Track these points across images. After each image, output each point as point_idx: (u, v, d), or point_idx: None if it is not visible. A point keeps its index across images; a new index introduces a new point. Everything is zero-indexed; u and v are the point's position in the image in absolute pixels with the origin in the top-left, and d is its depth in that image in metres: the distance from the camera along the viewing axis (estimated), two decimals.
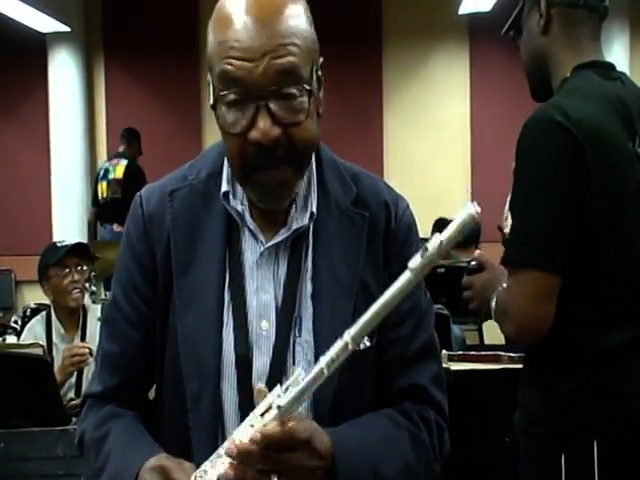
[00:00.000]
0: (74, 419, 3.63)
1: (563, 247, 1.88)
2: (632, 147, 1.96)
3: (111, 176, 8.01)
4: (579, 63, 2.03)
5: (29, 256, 7.83)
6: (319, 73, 1.36)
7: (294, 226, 1.41)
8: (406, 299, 1.33)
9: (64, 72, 8.82)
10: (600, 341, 1.91)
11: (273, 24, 1.27)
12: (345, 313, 1.37)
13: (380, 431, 1.37)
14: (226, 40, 1.28)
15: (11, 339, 4.92)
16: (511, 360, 2.53)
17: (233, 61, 1.26)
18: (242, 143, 1.30)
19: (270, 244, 1.41)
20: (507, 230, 6.04)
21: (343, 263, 1.38)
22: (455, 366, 2.58)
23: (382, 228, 1.44)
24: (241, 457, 1.17)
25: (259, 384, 1.26)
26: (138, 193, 1.52)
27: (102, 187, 8.04)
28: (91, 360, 3.62)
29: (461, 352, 2.87)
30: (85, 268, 3.95)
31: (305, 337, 1.38)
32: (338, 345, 1.15)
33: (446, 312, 3.90)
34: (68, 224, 8.50)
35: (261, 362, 1.38)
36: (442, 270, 4.64)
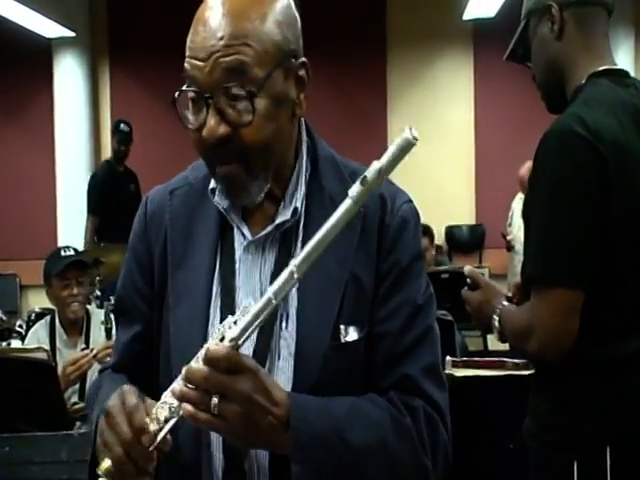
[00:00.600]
0: (78, 423, 3.65)
1: (587, 262, 1.87)
2: None
3: None
4: (593, 71, 2.02)
5: (34, 260, 7.83)
6: (300, 73, 1.37)
7: (277, 221, 1.42)
8: (396, 293, 1.39)
9: (69, 76, 8.84)
10: (614, 349, 1.91)
11: (228, 25, 1.30)
12: (331, 306, 1.36)
13: (350, 401, 1.34)
14: (190, 40, 1.33)
15: (16, 343, 4.92)
16: (516, 367, 2.52)
17: (189, 60, 1.32)
18: (198, 138, 1.34)
19: (254, 238, 1.42)
20: (510, 237, 6.04)
21: (332, 256, 1.34)
22: (459, 372, 2.57)
23: (376, 222, 1.42)
24: (187, 377, 1.18)
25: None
26: (146, 195, 1.57)
27: None
28: (95, 363, 3.64)
29: (465, 358, 2.86)
30: (85, 280, 3.98)
31: (290, 330, 1.38)
32: (284, 274, 1.17)
33: (450, 318, 3.88)
34: (73, 228, 8.50)
35: (244, 350, 1.36)
36: (446, 275, 4.65)
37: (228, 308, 1.39)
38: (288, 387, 1.34)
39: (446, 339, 3.66)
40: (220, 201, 1.44)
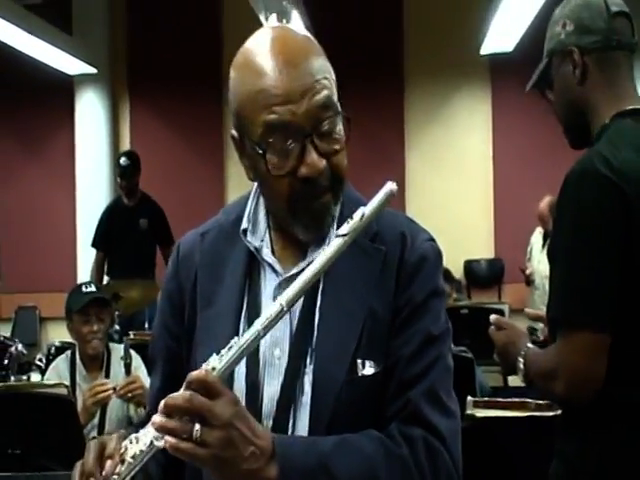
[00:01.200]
0: None
1: (613, 303, 1.85)
2: None
3: None
4: (618, 111, 2.01)
5: (54, 293, 7.90)
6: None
7: (309, 259, 1.43)
8: (410, 325, 1.39)
9: (90, 112, 8.94)
10: None
11: (304, 63, 1.33)
12: (349, 341, 1.38)
13: (341, 436, 1.33)
14: (263, 89, 1.33)
15: (35, 377, 4.96)
16: (538, 407, 2.49)
17: (276, 108, 1.31)
18: (290, 181, 1.35)
19: (287, 275, 1.44)
20: (529, 271, 5.99)
21: (352, 293, 1.39)
22: (480, 413, 2.56)
23: (396, 258, 1.44)
24: (167, 405, 1.19)
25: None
26: (179, 240, 1.62)
27: None
28: (114, 396, 3.65)
29: (487, 399, 2.84)
30: (105, 317, 4.00)
31: (310, 365, 1.40)
32: (274, 308, 1.23)
33: (470, 355, 3.85)
34: (92, 261, 8.53)
35: (270, 390, 1.40)
36: (465, 311, 4.63)
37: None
38: (306, 418, 1.37)
39: (466, 377, 3.63)
40: (253, 242, 1.47)
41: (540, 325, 2.35)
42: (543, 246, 6.98)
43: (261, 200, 1.51)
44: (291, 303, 1.24)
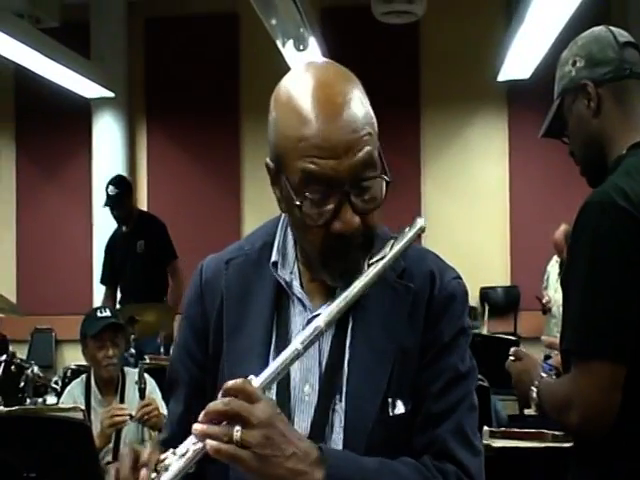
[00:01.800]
0: None
1: (629, 334, 1.84)
2: None
3: None
4: (634, 142, 2.00)
5: (70, 315, 7.91)
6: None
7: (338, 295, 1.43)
8: (437, 362, 1.41)
9: (107, 135, 8.98)
10: None
11: (348, 112, 1.31)
12: (380, 379, 1.38)
13: (379, 459, 1.34)
14: (306, 138, 1.31)
15: (51, 399, 4.96)
16: (555, 438, 2.48)
17: (317, 160, 1.30)
18: (324, 234, 1.34)
19: (316, 313, 1.43)
20: (546, 300, 5.98)
21: (382, 331, 1.39)
22: (497, 443, 2.54)
23: (426, 295, 1.45)
24: (207, 412, 1.21)
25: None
26: (201, 262, 1.59)
27: None
28: (130, 422, 3.66)
29: (503, 429, 2.83)
30: (120, 342, 4.01)
31: (341, 403, 1.40)
32: (313, 328, 1.28)
33: (486, 384, 3.83)
34: None
35: (301, 426, 1.40)
36: (479, 340, 4.61)
37: (284, 377, 1.39)
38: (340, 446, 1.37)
39: (482, 406, 3.61)
40: (284, 275, 1.47)
41: (555, 352, 2.35)
42: (559, 274, 6.96)
43: (289, 231, 1.51)
44: (330, 324, 1.29)
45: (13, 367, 4.88)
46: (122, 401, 3.90)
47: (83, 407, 3.66)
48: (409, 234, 1.35)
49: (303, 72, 1.40)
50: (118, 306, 6.78)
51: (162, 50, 9.37)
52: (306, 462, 1.24)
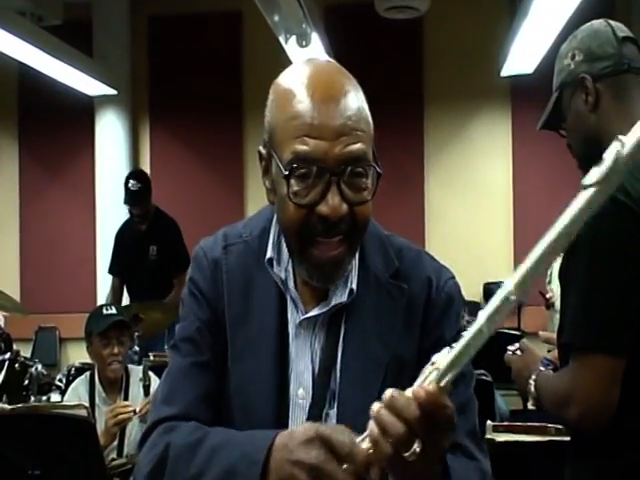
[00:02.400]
0: None
1: (629, 328, 1.84)
2: None
3: None
4: None
5: (74, 313, 7.94)
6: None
7: (333, 302, 1.43)
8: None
9: (110, 133, 8.98)
10: None
11: (344, 102, 1.32)
12: (371, 388, 1.37)
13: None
14: (300, 115, 1.32)
15: (55, 397, 4.97)
16: (558, 432, 2.48)
17: (308, 140, 1.30)
18: (306, 214, 1.33)
19: (307, 316, 1.44)
20: (549, 295, 5.95)
21: (376, 336, 1.39)
22: (500, 437, 2.54)
23: (423, 300, 1.45)
24: (394, 409, 1.09)
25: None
26: (198, 245, 1.57)
27: None
28: (135, 418, 3.66)
29: (506, 423, 2.82)
30: (126, 339, 4.01)
31: (334, 410, 1.40)
32: (498, 297, 1.01)
33: (489, 379, 3.83)
34: None
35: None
36: None
37: (284, 381, 1.40)
38: None
39: (485, 400, 3.61)
40: (279, 273, 1.46)
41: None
42: None
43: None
44: (523, 291, 1.01)
45: (17, 365, 4.89)
46: (126, 399, 3.91)
47: (87, 405, 3.66)
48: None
49: (304, 64, 1.42)
50: (125, 297, 6.73)
51: (165, 47, 9.36)
52: None
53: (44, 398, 4.94)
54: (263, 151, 1.42)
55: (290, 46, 6.67)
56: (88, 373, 4.07)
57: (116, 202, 8.80)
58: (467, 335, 1.05)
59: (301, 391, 1.42)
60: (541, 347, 2.25)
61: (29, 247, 9.56)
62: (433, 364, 1.09)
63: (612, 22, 2.12)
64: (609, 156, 0.98)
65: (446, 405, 1.09)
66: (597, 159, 2.06)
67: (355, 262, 1.45)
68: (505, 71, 8.23)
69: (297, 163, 1.31)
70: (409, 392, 1.10)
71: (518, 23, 6.88)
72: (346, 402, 1.39)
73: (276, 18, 6.29)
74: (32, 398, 4.83)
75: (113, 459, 3.75)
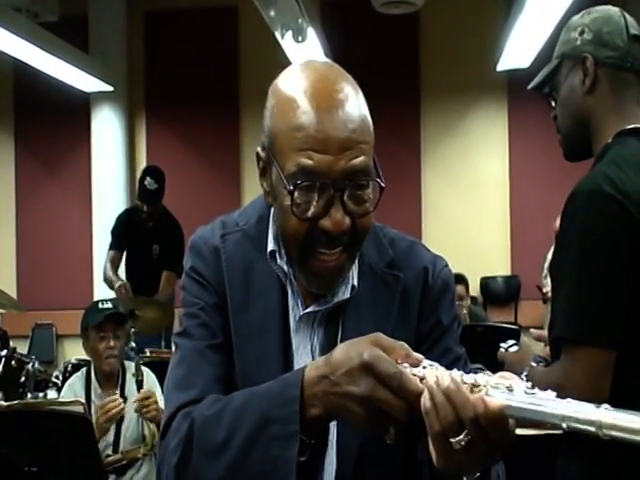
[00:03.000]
0: (112, 476, 3.68)
1: (619, 321, 1.85)
2: None
3: None
4: (621, 129, 2.01)
5: (70, 310, 7.93)
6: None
7: (335, 299, 1.44)
8: (436, 348, 1.43)
9: (107, 129, 8.98)
10: None
11: (349, 114, 1.30)
12: None
13: None
14: (304, 128, 1.29)
15: (52, 394, 4.97)
16: (554, 425, 2.47)
17: (313, 154, 1.28)
18: (309, 227, 1.32)
19: (307, 311, 1.44)
20: (546, 289, 5.92)
21: (372, 327, 1.36)
22: None
23: (419, 288, 1.47)
24: (451, 401, 1.08)
25: None
26: (195, 234, 1.55)
27: None
28: (126, 410, 3.66)
29: None
30: (122, 334, 4.02)
31: None
32: (588, 417, 1.01)
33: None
34: None
35: None
36: (481, 329, 4.63)
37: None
38: (333, 453, 1.38)
39: None
40: (282, 265, 1.45)
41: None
42: None
43: None
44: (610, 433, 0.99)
45: (14, 362, 4.88)
46: (122, 395, 3.90)
47: (83, 401, 3.66)
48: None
49: (305, 66, 1.40)
50: (122, 274, 6.61)
51: (161, 43, 9.36)
52: None
53: (41, 395, 4.94)
54: (262, 154, 1.40)
55: (286, 41, 6.66)
56: (84, 369, 4.07)
57: (113, 198, 8.83)
58: (546, 407, 1.06)
59: None
60: (539, 344, 2.24)
61: (26, 244, 9.55)
62: (509, 387, 1.08)
63: (628, 16, 2.11)
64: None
65: (508, 430, 1.09)
66: (579, 139, 2.07)
67: (356, 258, 1.45)
68: (501, 65, 8.23)
69: (301, 177, 1.29)
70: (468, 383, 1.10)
71: (514, 17, 6.88)
72: None
73: (272, 13, 6.28)
74: (29, 395, 4.83)
75: (108, 455, 3.76)
